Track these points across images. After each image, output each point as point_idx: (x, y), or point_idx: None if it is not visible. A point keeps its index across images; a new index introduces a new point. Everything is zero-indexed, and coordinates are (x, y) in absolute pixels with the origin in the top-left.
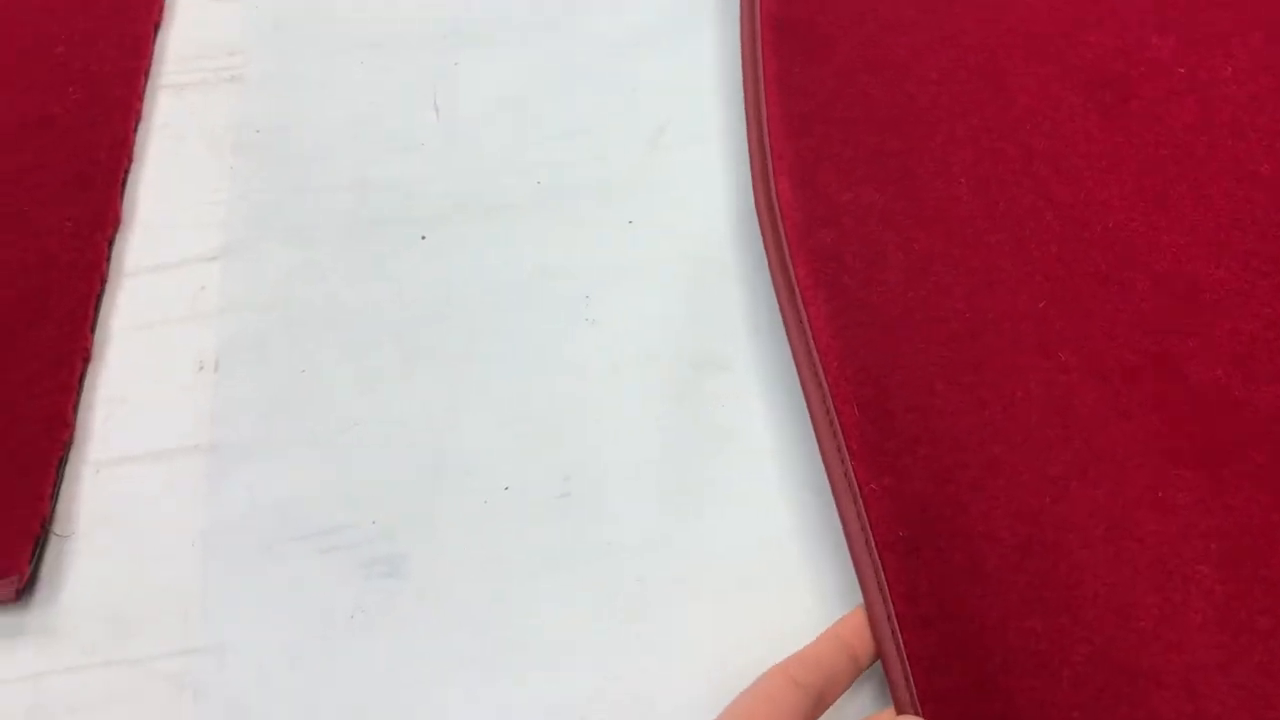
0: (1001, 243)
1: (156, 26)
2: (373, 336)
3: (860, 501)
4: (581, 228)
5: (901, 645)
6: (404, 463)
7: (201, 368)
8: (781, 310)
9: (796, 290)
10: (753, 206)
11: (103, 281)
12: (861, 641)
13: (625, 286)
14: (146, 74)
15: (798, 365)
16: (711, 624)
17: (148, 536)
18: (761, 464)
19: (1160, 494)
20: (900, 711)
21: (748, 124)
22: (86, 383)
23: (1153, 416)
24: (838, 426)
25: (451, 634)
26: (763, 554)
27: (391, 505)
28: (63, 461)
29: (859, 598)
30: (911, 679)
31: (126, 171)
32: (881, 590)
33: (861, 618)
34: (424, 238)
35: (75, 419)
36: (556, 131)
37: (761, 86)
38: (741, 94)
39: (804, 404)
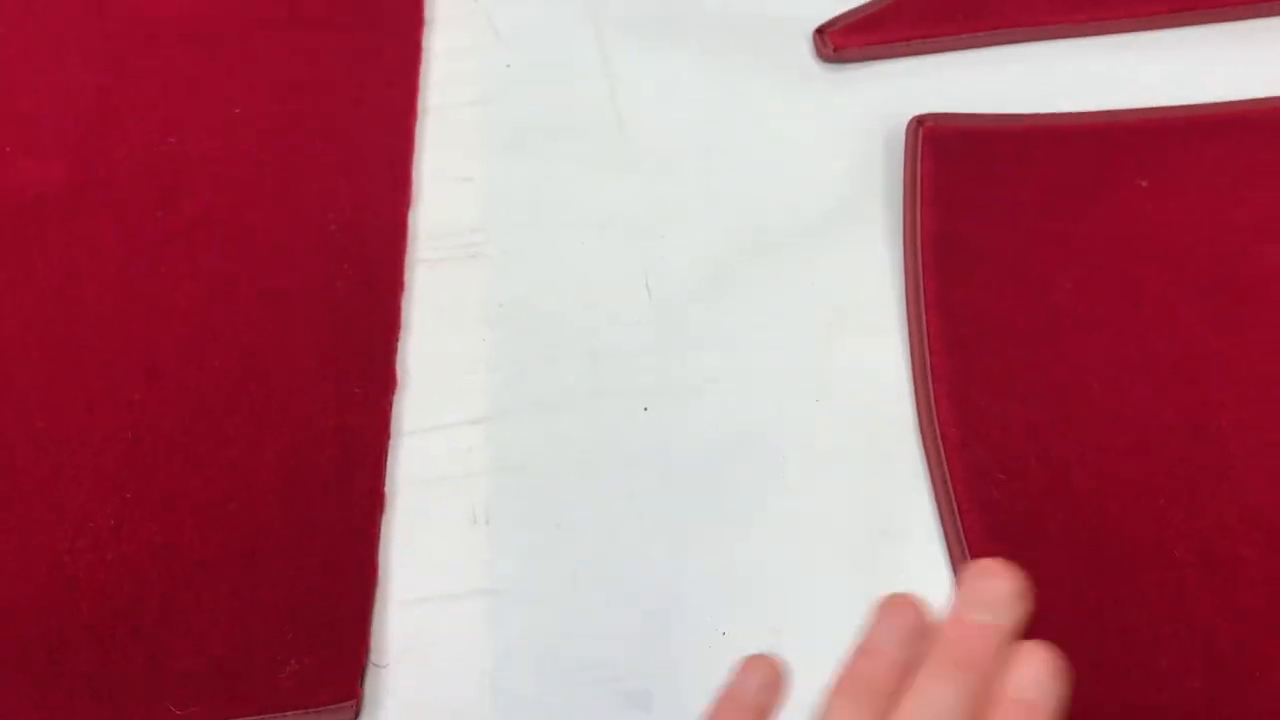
0: (1130, 444)
1: (408, 206)
2: (611, 494)
3: None
4: (776, 403)
5: None
6: (640, 605)
7: (475, 520)
8: (942, 523)
9: (955, 506)
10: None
11: (387, 439)
12: None
13: (817, 459)
14: (405, 251)
15: (956, 577)
16: None
17: (446, 669)
18: None
19: None
20: None
21: (910, 341)
22: (383, 531)
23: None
24: None
25: None
26: None
27: (635, 644)
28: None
29: None
30: None
31: (398, 341)
32: None
33: None
34: (646, 409)
35: (379, 563)
36: (748, 315)
37: (922, 307)
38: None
39: None
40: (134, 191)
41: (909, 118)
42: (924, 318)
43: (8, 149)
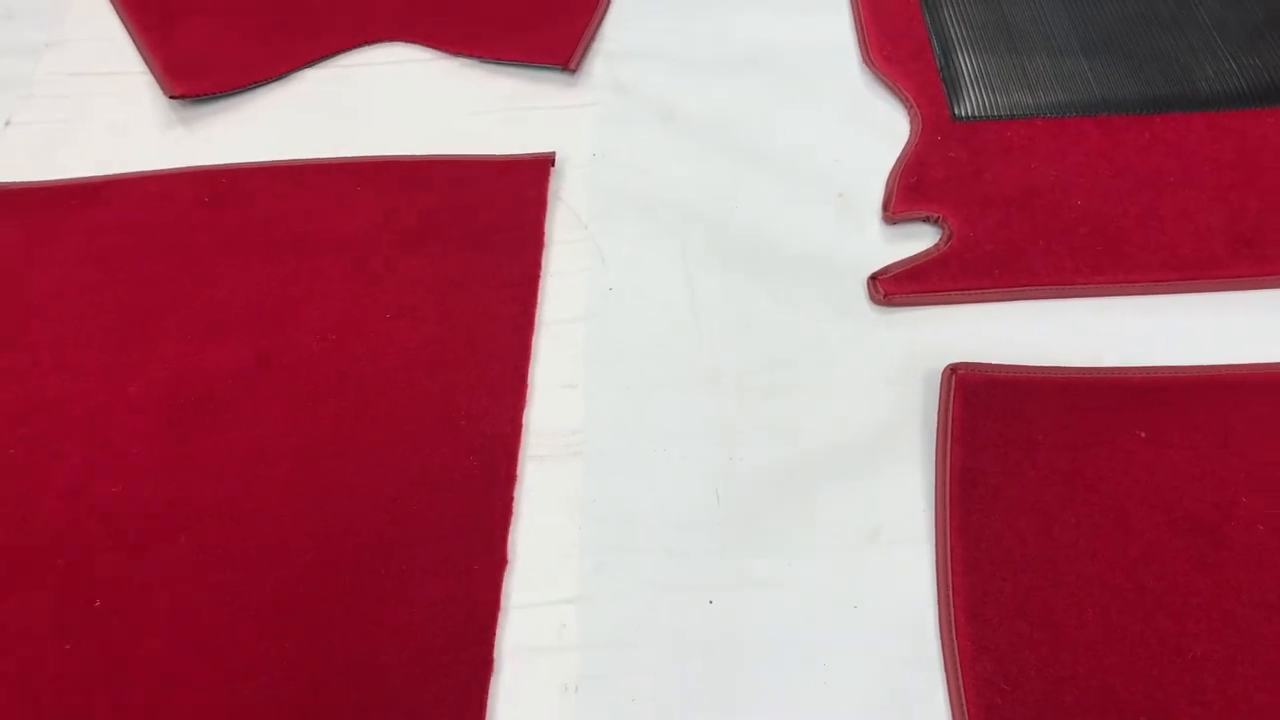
0: (1116, 666)
1: (524, 408)
2: (681, 674)
3: None
4: (821, 605)
5: None
6: None
7: (566, 689)
8: None
9: (965, 710)
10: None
11: (498, 612)
12: None
13: (854, 660)
14: (519, 448)
15: None
16: None
17: None
18: None
19: None
20: None
21: (937, 560)
22: (491, 692)
23: None
24: None
25: None
26: None
27: None
28: None
29: None
30: None
31: (510, 526)
32: None
33: None
34: (711, 602)
35: None
36: (801, 526)
37: (948, 532)
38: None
39: None
40: (307, 379)
41: (946, 357)
42: (949, 542)
43: (202, 337)
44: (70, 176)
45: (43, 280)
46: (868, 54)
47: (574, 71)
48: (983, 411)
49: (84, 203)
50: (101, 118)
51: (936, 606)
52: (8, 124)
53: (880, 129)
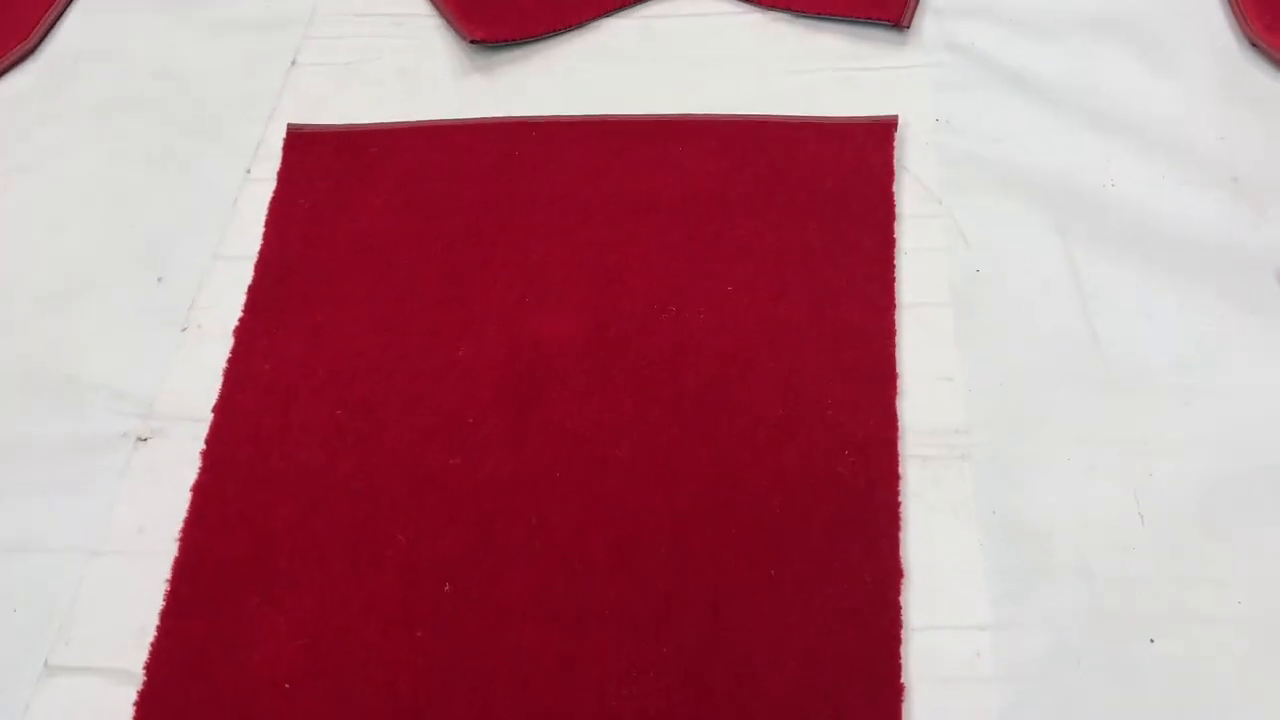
0: None
1: (896, 400)
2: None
3: None
4: None
5: None
6: None
7: None
8: None
9: None
10: None
11: (900, 630)
12: None
13: None
14: (898, 444)
15: None
16: None
17: None
18: None
19: None
20: None
21: None
22: None
23: None
24: None
25: None
26: None
27: None
28: None
29: None
30: None
31: (899, 532)
32: None
33: None
34: (1152, 640)
35: None
36: (1249, 548)
37: None
38: None
39: None
40: (642, 353)
41: None
42: None
43: (528, 300)
44: (361, 122)
45: (349, 229)
46: (1246, 23)
47: (906, 29)
48: None
49: (386, 149)
50: (390, 61)
51: None
52: (294, 63)
53: (1267, 106)
